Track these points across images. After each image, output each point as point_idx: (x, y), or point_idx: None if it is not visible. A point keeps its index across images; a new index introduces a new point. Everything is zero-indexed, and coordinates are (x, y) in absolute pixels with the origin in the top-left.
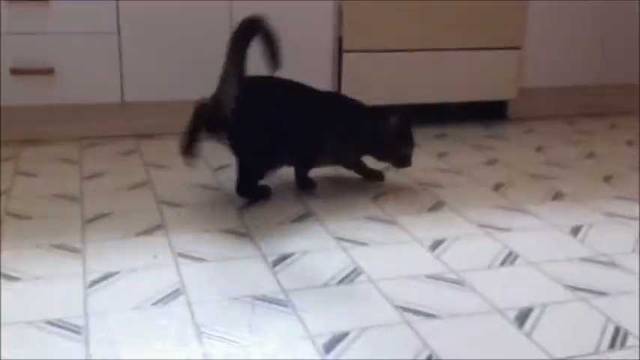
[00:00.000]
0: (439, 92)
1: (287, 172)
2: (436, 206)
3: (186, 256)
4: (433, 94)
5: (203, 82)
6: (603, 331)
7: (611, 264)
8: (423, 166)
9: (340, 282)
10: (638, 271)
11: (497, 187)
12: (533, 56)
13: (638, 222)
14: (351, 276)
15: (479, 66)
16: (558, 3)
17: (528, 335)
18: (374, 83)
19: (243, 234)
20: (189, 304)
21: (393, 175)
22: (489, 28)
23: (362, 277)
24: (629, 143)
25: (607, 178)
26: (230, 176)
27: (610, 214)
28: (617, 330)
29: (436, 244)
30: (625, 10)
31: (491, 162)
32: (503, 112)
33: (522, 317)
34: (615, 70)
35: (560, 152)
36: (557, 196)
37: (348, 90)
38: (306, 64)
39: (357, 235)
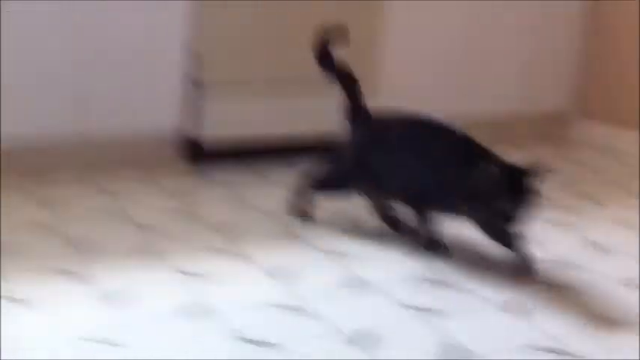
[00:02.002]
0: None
1: None
2: (285, 233)
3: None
4: (288, 131)
5: None
6: (440, 348)
7: (442, 282)
8: (276, 198)
9: (180, 315)
10: (474, 289)
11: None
12: None
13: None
14: (191, 308)
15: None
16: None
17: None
18: (236, 117)
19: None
20: None
21: (244, 207)
22: None
23: (203, 309)
24: None
25: None
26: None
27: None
28: (451, 346)
29: (275, 272)
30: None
31: None
32: None
33: (361, 339)
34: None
35: None
36: None
37: (209, 125)
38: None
39: (198, 267)
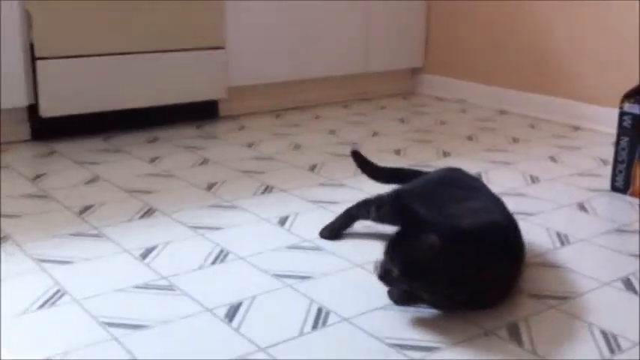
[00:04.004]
0: (147, 96)
1: None
2: (147, 213)
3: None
4: (141, 98)
5: None
6: (307, 314)
7: (315, 248)
8: (132, 173)
9: (41, 307)
10: (337, 251)
11: (210, 186)
12: (239, 55)
13: (338, 205)
14: (53, 298)
15: (186, 67)
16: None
17: (237, 329)
18: (76, 91)
19: None
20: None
21: (100, 185)
22: (190, 29)
23: (65, 298)
24: (331, 132)
25: (312, 167)
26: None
27: (314, 201)
28: (319, 310)
29: (147, 252)
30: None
31: (204, 162)
32: (215, 112)
33: (232, 313)
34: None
35: (270, 146)
36: (267, 190)
37: (48, 101)
38: None
39: (59, 253)
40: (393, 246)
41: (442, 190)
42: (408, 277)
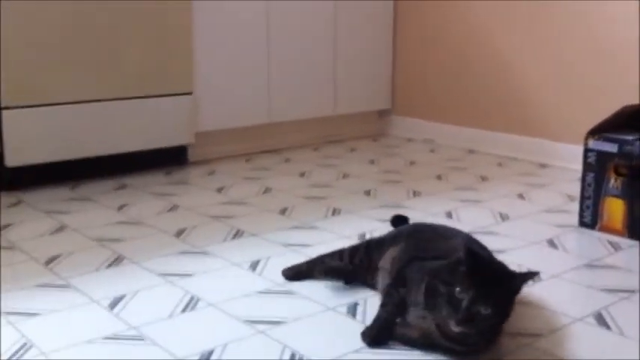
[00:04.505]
0: (115, 143)
1: None
2: (115, 261)
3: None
4: (108, 145)
5: None
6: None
7: (288, 292)
8: (100, 221)
9: None
10: (310, 295)
11: (179, 233)
12: (208, 99)
13: (310, 248)
14: (20, 352)
15: (153, 113)
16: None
17: None
18: (42, 140)
19: None
20: None
21: (67, 234)
22: (157, 75)
23: (33, 351)
24: (302, 175)
25: (283, 211)
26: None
27: (286, 245)
28: (292, 356)
29: (115, 302)
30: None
31: (173, 208)
32: (184, 158)
33: None
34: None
35: (240, 190)
36: (237, 234)
37: (13, 150)
38: None
39: (26, 306)
40: (481, 285)
41: (419, 235)
42: (499, 316)
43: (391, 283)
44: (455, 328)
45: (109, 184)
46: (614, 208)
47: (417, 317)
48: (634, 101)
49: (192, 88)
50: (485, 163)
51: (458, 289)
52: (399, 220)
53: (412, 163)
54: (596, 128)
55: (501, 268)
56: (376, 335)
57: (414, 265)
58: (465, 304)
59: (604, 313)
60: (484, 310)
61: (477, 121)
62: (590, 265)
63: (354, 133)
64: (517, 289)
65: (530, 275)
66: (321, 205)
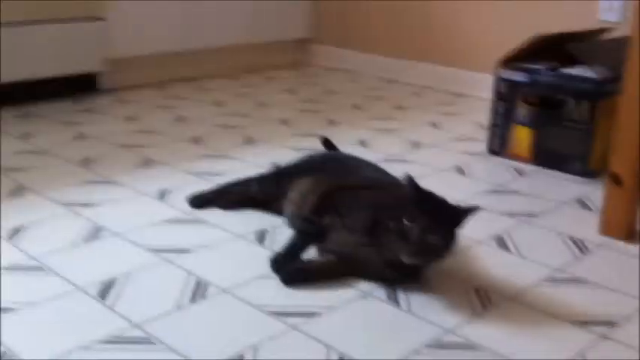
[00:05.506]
0: (19, 69)
1: None
2: (17, 192)
3: None
4: (11, 72)
5: None
6: (185, 287)
7: (196, 221)
8: (3, 150)
9: None
10: (219, 223)
11: (86, 162)
12: (122, 26)
13: (221, 177)
14: None
15: (60, 38)
16: None
17: (111, 307)
18: None
19: None
20: None
21: None
22: None
23: None
24: (217, 104)
25: (196, 140)
26: None
27: (197, 173)
28: (197, 283)
29: (14, 232)
30: None
31: (81, 137)
32: (94, 85)
33: (105, 290)
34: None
35: (152, 119)
36: (147, 163)
37: None
38: None
39: None
40: (429, 216)
41: (334, 165)
42: (447, 248)
43: (312, 211)
44: (407, 260)
45: (12, 112)
46: (522, 136)
47: (341, 242)
48: (548, 30)
49: (103, 13)
50: (404, 92)
51: (406, 221)
52: (327, 143)
53: (331, 92)
54: (507, 58)
55: (444, 201)
56: (283, 261)
57: (345, 194)
58: (415, 234)
59: (504, 237)
60: (434, 241)
61: (397, 51)
62: (495, 191)
63: (274, 62)
64: (461, 222)
65: (473, 209)
66: (236, 134)
